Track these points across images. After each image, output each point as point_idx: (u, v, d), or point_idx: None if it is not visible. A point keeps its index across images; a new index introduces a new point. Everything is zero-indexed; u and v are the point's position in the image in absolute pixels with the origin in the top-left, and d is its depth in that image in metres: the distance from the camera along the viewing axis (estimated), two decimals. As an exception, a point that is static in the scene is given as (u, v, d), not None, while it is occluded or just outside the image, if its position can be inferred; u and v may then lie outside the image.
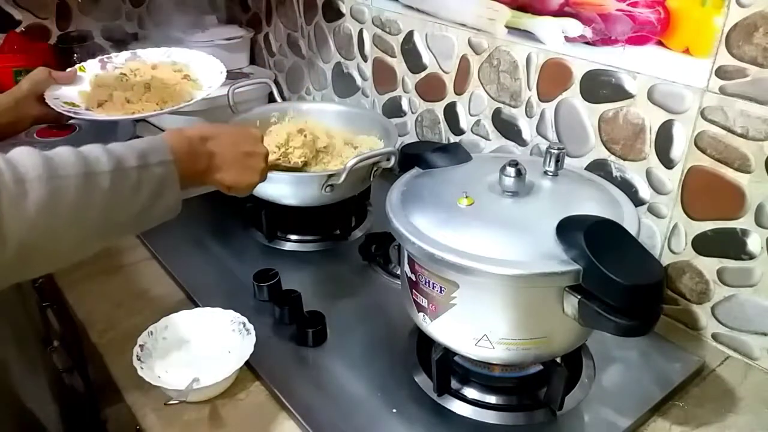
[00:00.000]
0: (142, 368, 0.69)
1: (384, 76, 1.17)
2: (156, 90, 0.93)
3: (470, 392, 0.71)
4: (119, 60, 1.02)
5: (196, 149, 0.68)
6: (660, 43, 0.74)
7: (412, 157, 0.76)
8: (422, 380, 0.72)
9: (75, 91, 0.94)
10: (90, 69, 0.99)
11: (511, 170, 0.63)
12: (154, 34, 1.43)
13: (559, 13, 0.83)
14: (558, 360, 0.66)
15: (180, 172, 0.64)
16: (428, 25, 1.03)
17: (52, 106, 0.89)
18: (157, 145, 0.63)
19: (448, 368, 0.70)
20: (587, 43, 0.81)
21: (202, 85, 0.96)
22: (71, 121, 0.99)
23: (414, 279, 0.65)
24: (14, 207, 0.49)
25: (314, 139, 0.94)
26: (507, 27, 0.91)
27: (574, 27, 0.82)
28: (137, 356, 0.70)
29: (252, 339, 0.72)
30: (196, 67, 1.00)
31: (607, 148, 0.84)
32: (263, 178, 0.75)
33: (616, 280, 0.52)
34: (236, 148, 0.72)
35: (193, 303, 0.85)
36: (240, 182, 0.72)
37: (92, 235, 0.58)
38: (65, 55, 1.42)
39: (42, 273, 0.60)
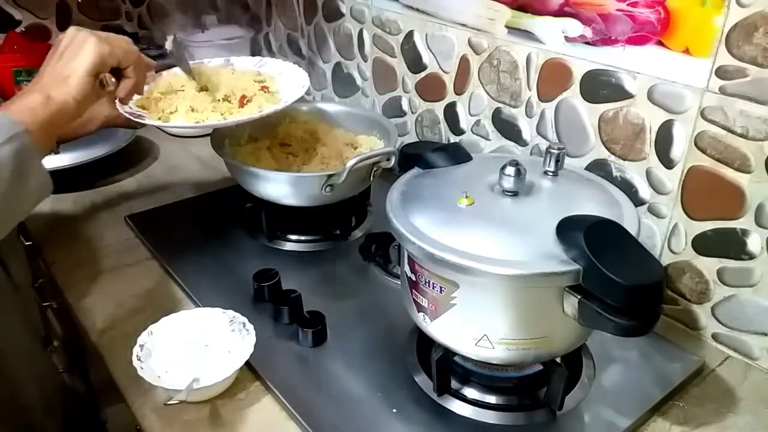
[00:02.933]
0: (142, 368, 0.69)
1: (384, 76, 1.17)
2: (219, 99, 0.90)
3: (470, 392, 0.71)
4: (211, 65, 0.98)
5: (32, 96, 0.64)
6: (660, 43, 0.74)
7: (412, 157, 0.76)
8: (422, 380, 0.72)
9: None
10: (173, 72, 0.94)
11: (511, 170, 0.63)
12: (154, 34, 1.43)
13: (559, 13, 0.83)
14: (558, 360, 0.66)
15: (37, 135, 0.60)
16: (428, 25, 1.03)
17: (118, 108, 0.86)
18: None
19: (448, 368, 0.70)
20: (587, 43, 0.81)
21: (279, 98, 0.92)
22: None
23: (414, 279, 0.65)
24: None
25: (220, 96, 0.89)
26: (507, 27, 0.91)
27: (574, 27, 0.82)
28: (137, 356, 0.70)
29: (252, 339, 0.72)
30: (281, 79, 0.96)
31: (607, 148, 0.84)
32: (99, 48, 0.68)
33: (616, 280, 0.52)
34: (52, 56, 0.68)
35: (193, 303, 0.85)
36: (74, 71, 0.67)
37: None
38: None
39: None
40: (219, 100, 0.88)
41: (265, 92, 0.91)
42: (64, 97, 0.66)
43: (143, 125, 0.88)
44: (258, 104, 0.89)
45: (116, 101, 0.85)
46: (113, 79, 0.73)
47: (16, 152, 0.58)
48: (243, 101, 0.89)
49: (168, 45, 0.86)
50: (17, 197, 0.59)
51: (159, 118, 0.86)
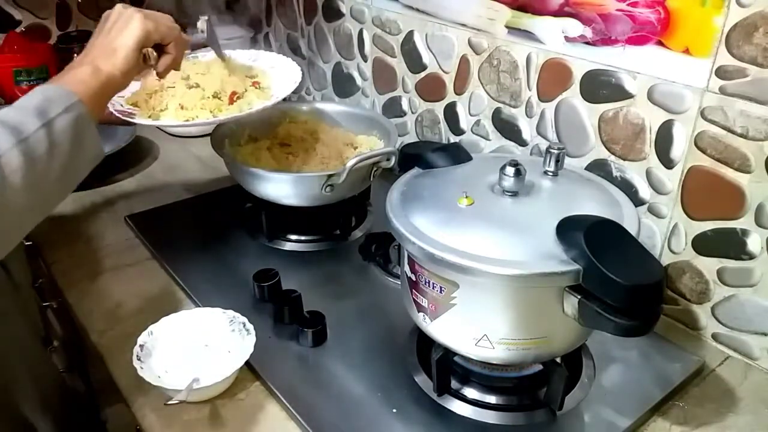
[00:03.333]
0: (142, 368, 0.69)
1: (384, 76, 1.17)
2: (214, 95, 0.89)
3: (470, 392, 0.71)
4: (204, 59, 0.97)
5: (81, 69, 0.67)
6: (660, 43, 0.74)
7: (412, 157, 0.76)
8: (422, 380, 0.72)
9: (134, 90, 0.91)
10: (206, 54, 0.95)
11: (511, 170, 0.63)
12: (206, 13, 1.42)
13: (559, 13, 0.83)
14: (558, 360, 0.66)
15: (89, 105, 0.63)
16: (428, 25, 1.03)
17: (109, 106, 0.85)
18: (53, 92, 0.62)
19: (448, 368, 0.70)
20: (587, 43, 0.81)
21: (270, 94, 0.92)
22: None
23: (414, 279, 0.65)
24: None
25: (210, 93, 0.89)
26: (507, 27, 0.91)
27: (574, 27, 0.82)
28: (137, 356, 0.70)
29: (252, 339, 0.72)
30: (273, 73, 0.97)
31: (607, 148, 0.84)
32: (145, 24, 0.72)
33: (616, 280, 0.52)
34: (100, 32, 0.72)
35: (193, 303, 0.85)
36: (122, 45, 0.70)
37: (24, 216, 0.58)
38: (65, 54, 1.42)
39: None
40: (209, 97, 0.88)
41: (256, 88, 0.91)
42: (112, 69, 0.69)
43: (135, 123, 0.88)
44: (248, 100, 0.89)
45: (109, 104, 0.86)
46: (155, 54, 0.76)
47: (74, 121, 0.61)
48: (233, 98, 0.89)
49: (201, 25, 0.88)
50: (76, 163, 0.62)
51: (149, 116, 0.86)
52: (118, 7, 0.74)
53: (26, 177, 0.56)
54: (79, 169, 0.64)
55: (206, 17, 0.89)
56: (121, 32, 0.71)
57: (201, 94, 0.88)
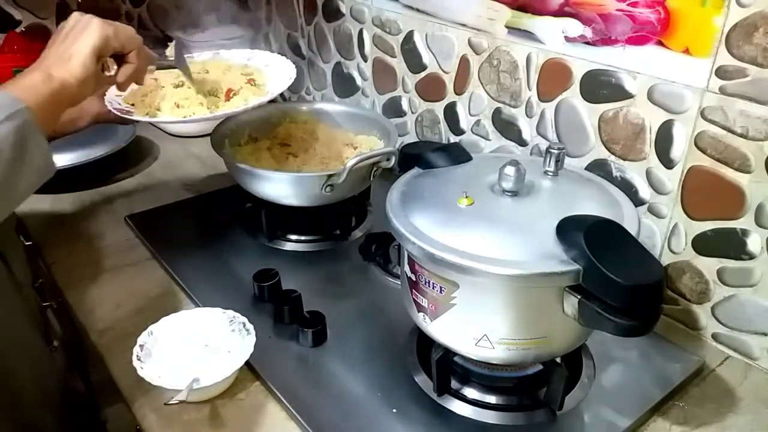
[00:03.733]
0: (142, 368, 0.69)
1: (384, 76, 1.17)
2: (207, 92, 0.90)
3: (470, 392, 0.71)
4: (200, 58, 0.99)
5: (32, 75, 0.63)
6: (660, 43, 0.74)
7: (412, 157, 0.76)
8: (422, 380, 0.72)
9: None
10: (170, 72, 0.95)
11: (511, 170, 0.63)
12: (154, 34, 1.43)
13: (559, 13, 0.83)
14: (558, 360, 0.66)
15: (39, 113, 0.59)
16: (428, 25, 1.03)
17: (107, 104, 0.86)
18: None
19: (448, 368, 0.70)
20: (587, 43, 0.81)
21: (265, 90, 0.93)
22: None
23: (414, 279, 0.65)
24: None
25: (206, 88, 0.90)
26: (507, 27, 0.91)
27: (574, 27, 0.82)
28: (137, 356, 0.70)
29: (252, 339, 0.72)
30: (268, 71, 0.97)
31: (607, 148, 0.84)
32: (103, 30, 0.69)
33: (616, 280, 0.52)
34: (56, 39, 0.68)
35: (193, 303, 0.85)
36: (78, 51, 0.67)
37: None
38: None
39: None
40: (205, 95, 0.89)
41: (251, 85, 0.92)
42: (66, 76, 0.66)
43: (133, 121, 0.88)
44: (244, 97, 0.90)
45: (105, 95, 0.86)
46: (115, 65, 0.73)
47: (17, 128, 0.58)
48: (229, 94, 0.89)
49: (169, 51, 0.87)
50: (19, 175, 0.58)
51: (146, 114, 0.87)
52: (75, 14, 0.71)
53: None
54: (22, 181, 0.59)
55: (175, 41, 0.88)
56: (78, 38, 0.68)
57: (198, 91, 0.89)
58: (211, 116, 0.87)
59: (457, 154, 0.74)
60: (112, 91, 0.90)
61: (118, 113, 0.86)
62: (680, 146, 0.76)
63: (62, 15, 1.54)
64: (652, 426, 0.69)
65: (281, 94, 1.18)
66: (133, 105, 0.89)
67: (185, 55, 0.91)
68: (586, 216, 0.59)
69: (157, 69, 0.86)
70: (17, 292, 0.82)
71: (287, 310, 0.80)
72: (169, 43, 0.89)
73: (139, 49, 0.75)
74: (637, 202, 0.82)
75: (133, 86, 0.90)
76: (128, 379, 0.71)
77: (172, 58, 0.86)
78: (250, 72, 0.95)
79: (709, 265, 0.78)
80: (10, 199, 0.60)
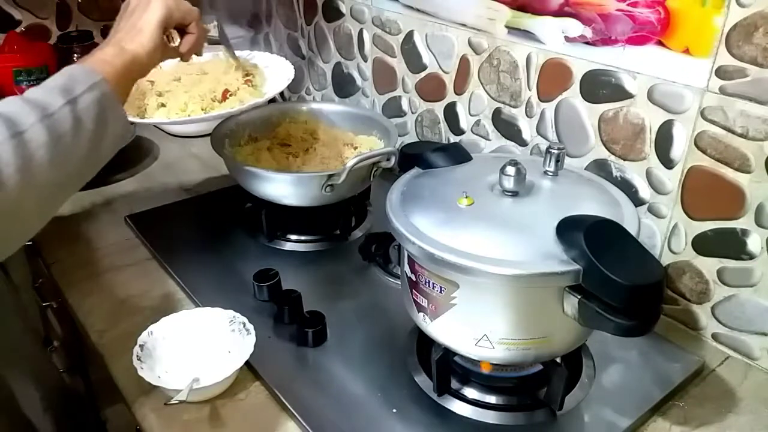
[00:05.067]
0: (142, 368, 0.69)
1: (384, 76, 1.17)
2: (207, 93, 0.91)
3: (470, 392, 0.71)
4: (198, 59, 0.97)
5: (106, 49, 0.68)
6: (660, 43, 0.74)
7: (412, 157, 0.76)
8: (422, 380, 0.72)
9: None
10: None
11: (511, 170, 0.63)
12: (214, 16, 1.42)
13: (559, 13, 0.83)
14: (558, 360, 0.66)
15: (114, 85, 0.64)
16: (428, 25, 1.03)
17: None
18: (77, 72, 0.63)
19: (448, 368, 0.70)
20: (587, 43, 0.81)
21: (262, 91, 0.93)
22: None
23: (414, 279, 0.65)
24: None
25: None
26: (507, 27, 0.91)
27: (574, 27, 0.82)
28: (137, 356, 0.70)
29: (252, 339, 0.72)
30: (267, 72, 0.98)
31: (607, 148, 0.84)
32: (166, 3, 0.73)
33: (616, 280, 0.52)
34: (123, 15, 0.73)
35: (193, 303, 0.85)
36: (146, 24, 0.72)
37: (52, 192, 0.58)
38: (65, 54, 1.42)
39: (11, 248, 0.59)
40: (201, 95, 0.88)
41: (248, 86, 0.92)
42: (137, 48, 0.70)
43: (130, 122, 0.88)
44: (240, 98, 0.90)
45: None
46: (178, 37, 0.78)
47: (97, 99, 0.62)
48: (226, 95, 0.89)
49: (212, 29, 0.89)
50: (102, 140, 0.62)
51: (142, 115, 0.87)
52: None
53: (52, 153, 0.56)
54: (105, 147, 0.64)
55: (215, 21, 0.90)
56: (144, 12, 0.72)
57: (194, 92, 0.89)
58: (206, 117, 0.87)
59: (457, 154, 0.74)
60: None
61: None
62: (680, 146, 0.76)
63: (62, 15, 1.54)
64: (652, 426, 0.69)
65: (281, 94, 1.18)
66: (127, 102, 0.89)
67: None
68: (586, 216, 0.59)
69: (209, 44, 0.88)
70: (13, 293, 0.82)
71: (287, 310, 0.80)
72: (211, 24, 0.91)
73: (197, 20, 0.79)
74: (637, 202, 0.82)
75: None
76: (128, 379, 0.71)
77: (216, 37, 0.89)
78: (247, 72, 0.95)
79: (709, 265, 0.78)
80: (96, 164, 0.65)
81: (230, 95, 0.90)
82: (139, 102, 0.89)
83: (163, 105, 0.88)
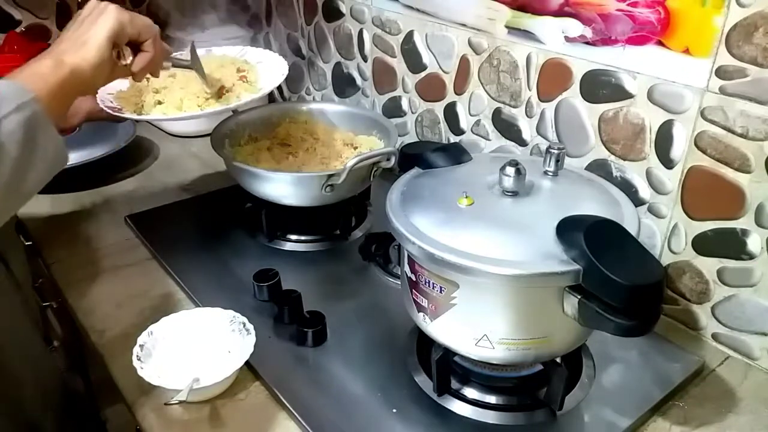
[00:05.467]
0: (142, 368, 0.69)
1: (384, 76, 1.17)
2: (201, 91, 0.90)
3: (470, 392, 0.71)
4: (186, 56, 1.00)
5: (43, 62, 0.61)
6: (660, 43, 0.74)
7: (412, 157, 0.76)
8: (422, 380, 0.72)
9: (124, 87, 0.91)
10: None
11: (511, 170, 0.63)
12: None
13: (559, 13, 0.83)
14: (558, 360, 0.66)
15: (47, 103, 0.58)
16: (428, 25, 1.03)
17: (99, 102, 0.87)
18: (4, 88, 0.56)
19: (448, 368, 0.70)
20: (587, 43, 0.81)
21: (258, 87, 0.93)
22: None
23: (414, 279, 0.65)
24: None
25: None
26: (507, 27, 0.91)
27: (574, 27, 0.82)
28: (137, 356, 0.70)
29: (252, 339, 0.72)
30: (261, 68, 0.97)
31: (607, 148, 0.84)
32: (120, 16, 0.67)
33: (616, 280, 0.52)
34: (71, 25, 0.67)
35: (193, 303, 0.85)
36: (93, 36, 0.65)
37: None
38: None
39: None
40: (196, 93, 0.89)
41: (243, 82, 0.92)
42: (79, 61, 0.64)
43: (124, 119, 0.88)
44: (237, 94, 0.90)
45: (98, 93, 0.86)
46: (131, 54, 0.72)
47: (25, 120, 0.56)
48: (222, 91, 0.89)
49: (185, 55, 0.88)
50: (29, 170, 0.57)
51: (138, 112, 0.87)
52: (92, 1, 0.70)
53: None
54: (33, 176, 0.58)
55: (190, 45, 0.88)
56: (93, 24, 0.67)
57: (190, 89, 0.89)
58: (203, 113, 0.87)
59: (457, 154, 0.74)
60: (104, 90, 0.90)
61: (111, 111, 0.86)
62: (680, 146, 0.76)
63: (62, 15, 1.54)
64: (652, 426, 0.69)
65: (281, 94, 1.18)
66: (123, 101, 0.89)
67: (173, 54, 0.91)
68: (586, 216, 0.59)
69: (173, 66, 0.86)
70: (17, 292, 0.82)
71: (287, 310, 0.80)
72: (184, 50, 0.89)
73: (155, 38, 0.73)
74: (637, 202, 0.82)
75: (126, 85, 0.90)
76: (128, 379, 0.71)
77: (187, 60, 0.86)
78: (243, 69, 0.95)
79: (709, 265, 0.78)
80: (21, 194, 0.59)
81: (226, 91, 0.90)
82: (136, 99, 0.89)
83: (160, 102, 0.88)
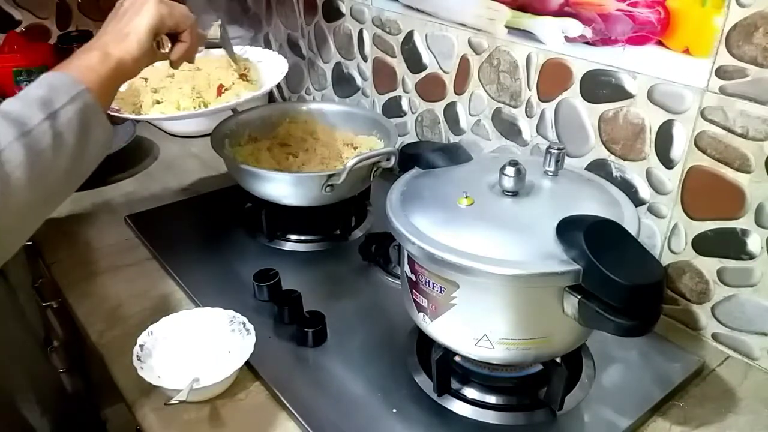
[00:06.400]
0: (142, 368, 0.69)
1: (384, 76, 1.17)
2: (201, 89, 0.90)
3: (470, 392, 0.71)
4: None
5: (90, 54, 0.65)
6: (660, 43, 0.74)
7: (412, 157, 0.75)
8: (422, 380, 0.72)
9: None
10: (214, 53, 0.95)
11: (511, 170, 0.63)
12: (219, 16, 1.42)
13: (559, 13, 0.83)
14: (558, 360, 0.66)
15: (97, 93, 0.62)
16: (428, 25, 1.03)
17: None
18: (58, 81, 0.60)
19: (448, 368, 0.70)
20: (587, 43, 0.81)
21: (258, 85, 0.93)
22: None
23: (414, 279, 0.65)
24: None
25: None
26: (507, 27, 0.91)
27: (574, 27, 0.82)
28: (137, 356, 0.70)
29: (252, 339, 0.72)
30: (261, 67, 0.98)
31: (607, 148, 0.84)
32: (160, 8, 0.70)
33: (616, 280, 0.52)
34: (113, 17, 0.70)
35: (193, 303, 0.85)
36: (135, 29, 0.68)
37: (29, 213, 0.57)
38: (65, 55, 1.41)
39: None
40: (196, 91, 0.89)
41: (243, 80, 0.92)
42: (123, 54, 0.67)
43: (124, 120, 0.88)
44: (236, 92, 0.90)
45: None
46: (169, 43, 0.75)
47: (80, 111, 0.60)
48: (221, 90, 0.89)
49: (213, 32, 0.88)
50: (84, 154, 0.61)
51: (133, 111, 0.87)
52: None
53: (30, 172, 0.55)
54: (88, 160, 0.62)
55: (218, 21, 0.89)
56: (135, 17, 0.70)
57: (188, 88, 0.89)
58: (202, 112, 0.87)
59: (457, 154, 0.74)
60: None
61: (109, 112, 0.86)
62: (680, 146, 0.76)
63: (62, 15, 1.54)
64: (652, 426, 0.69)
65: (281, 94, 1.18)
66: (121, 101, 0.89)
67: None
68: (586, 216, 0.59)
69: (206, 48, 0.87)
70: (12, 294, 0.81)
71: (287, 310, 0.80)
72: (213, 23, 0.89)
73: (192, 27, 0.76)
74: (637, 202, 0.82)
75: (123, 87, 0.90)
76: (128, 379, 0.71)
77: (217, 39, 0.87)
78: (242, 68, 0.95)
79: (709, 265, 0.78)
80: (78, 178, 0.63)
81: (225, 90, 0.90)
82: (134, 99, 0.89)
83: (158, 102, 0.88)
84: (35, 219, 0.59)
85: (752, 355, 0.77)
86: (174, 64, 0.79)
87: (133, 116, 0.87)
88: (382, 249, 0.93)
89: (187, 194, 1.14)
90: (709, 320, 0.80)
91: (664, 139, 0.78)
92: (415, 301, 0.67)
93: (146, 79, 0.90)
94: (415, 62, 1.09)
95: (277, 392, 0.70)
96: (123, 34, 0.68)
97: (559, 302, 0.58)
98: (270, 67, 0.97)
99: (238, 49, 1.01)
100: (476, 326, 0.62)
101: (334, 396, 0.70)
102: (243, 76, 0.92)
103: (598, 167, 0.85)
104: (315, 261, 0.96)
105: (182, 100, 0.87)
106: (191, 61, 0.81)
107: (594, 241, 0.55)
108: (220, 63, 0.94)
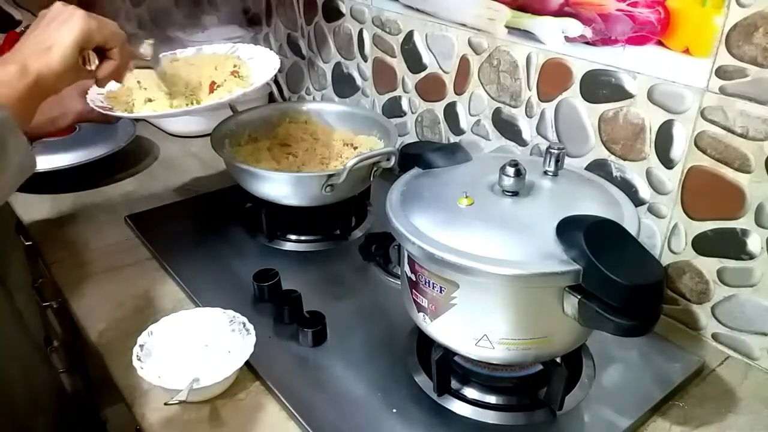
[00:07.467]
0: (142, 368, 0.69)
1: (384, 76, 1.17)
2: (193, 87, 0.90)
3: (470, 392, 0.71)
4: (182, 55, 0.99)
5: (7, 68, 0.60)
6: (660, 43, 0.74)
7: (412, 157, 0.76)
8: (422, 380, 0.72)
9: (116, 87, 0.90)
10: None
11: (511, 170, 0.63)
12: (154, 34, 1.42)
13: (559, 13, 0.83)
14: (558, 360, 0.66)
15: (15, 110, 0.57)
16: (428, 25, 1.03)
17: (89, 102, 0.86)
18: None
19: (448, 368, 0.70)
20: (587, 43, 0.81)
21: (249, 82, 0.93)
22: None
23: (414, 279, 0.65)
24: None
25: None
26: (507, 27, 0.91)
27: (574, 27, 0.82)
28: (137, 356, 0.70)
29: (252, 339, 0.72)
30: (252, 63, 0.97)
31: (607, 148, 0.84)
32: (87, 22, 0.65)
33: (616, 280, 0.52)
34: (35, 28, 0.64)
35: (193, 303, 0.85)
36: (59, 42, 0.63)
37: None
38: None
39: None
40: (187, 88, 0.89)
41: (235, 77, 0.92)
42: (42, 67, 0.62)
43: (118, 118, 0.88)
44: (228, 89, 0.90)
45: (87, 93, 0.86)
46: (96, 59, 0.69)
47: None
48: (213, 87, 0.89)
49: (144, 50, 0.84)
50: (0, 172, 0.56)
51: (125, 110, 0.87)
52: (58, 4, 0.67)
53: None
54: (4, 180, 0.57)
55: (151, 41, 0.85)
56: (60, 28, 0.64)
57: (179, 85, 0.89)
58: (195, 108, 0.87)
59: (457, 154, 0.74)
60: (94, 90, 0.90)
61: (100, 109, 0.86)
62: (680, 146, 0.76)
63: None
64: (652, 426, 0.69)
65: (281, 94, 1.18)
66: (114, 100, 0.89)
67: (162, 54, 0.91)
68: (585, 216, 0.59)
69: (136, 68, 0.83)
70: (9, 296, 0.81)
71: (287, 310, 0.80)
72: (145, 41, 0.85)
73: (122, 45, 0.71)
74: (637, 202, 0.82)
75: (117, 85, 0.90)
76: (128, 379, 0.71)
77: (149, 58, 0.84)
78: (234, 65, 0.95)
79: (709, 265, 0.78)
80: None
81: (217, 87, 0.90)
82: (127, 98, 0.89)
83: (150, 100, 0.88)
84: None
85: (752, 355, 0.77)
86: (99, 83, 0.73)
87: (126, 114, 0.87)
88: (382, 249, 0.93)
89: (187, 194, 1.14)
90: (709, 320, 0.80)
91: (664, 139, 0.78)
92: (415, 301, 0.67)
93: (139, 82, 0.90)
94: (415, 62, 1.09)
95: (277, 392, 0.70)
96: (45, 47, 0.63)
97: (559, 302, 0.58)
98: (261, 63, 0.97)
99: (227, 47, 1.01)
100: (476, 326, 0.62)
101: (334, 396, 0.70)
102: (234, 73, 0.93)
103: (598, 167, 0.85)
104: (315, 261, 0.96)
105: (175, 98, 0.87)
106: (119, 80, 0.76)
107: (594, 241, 0.55)
108: (214, 62, 0.95)
